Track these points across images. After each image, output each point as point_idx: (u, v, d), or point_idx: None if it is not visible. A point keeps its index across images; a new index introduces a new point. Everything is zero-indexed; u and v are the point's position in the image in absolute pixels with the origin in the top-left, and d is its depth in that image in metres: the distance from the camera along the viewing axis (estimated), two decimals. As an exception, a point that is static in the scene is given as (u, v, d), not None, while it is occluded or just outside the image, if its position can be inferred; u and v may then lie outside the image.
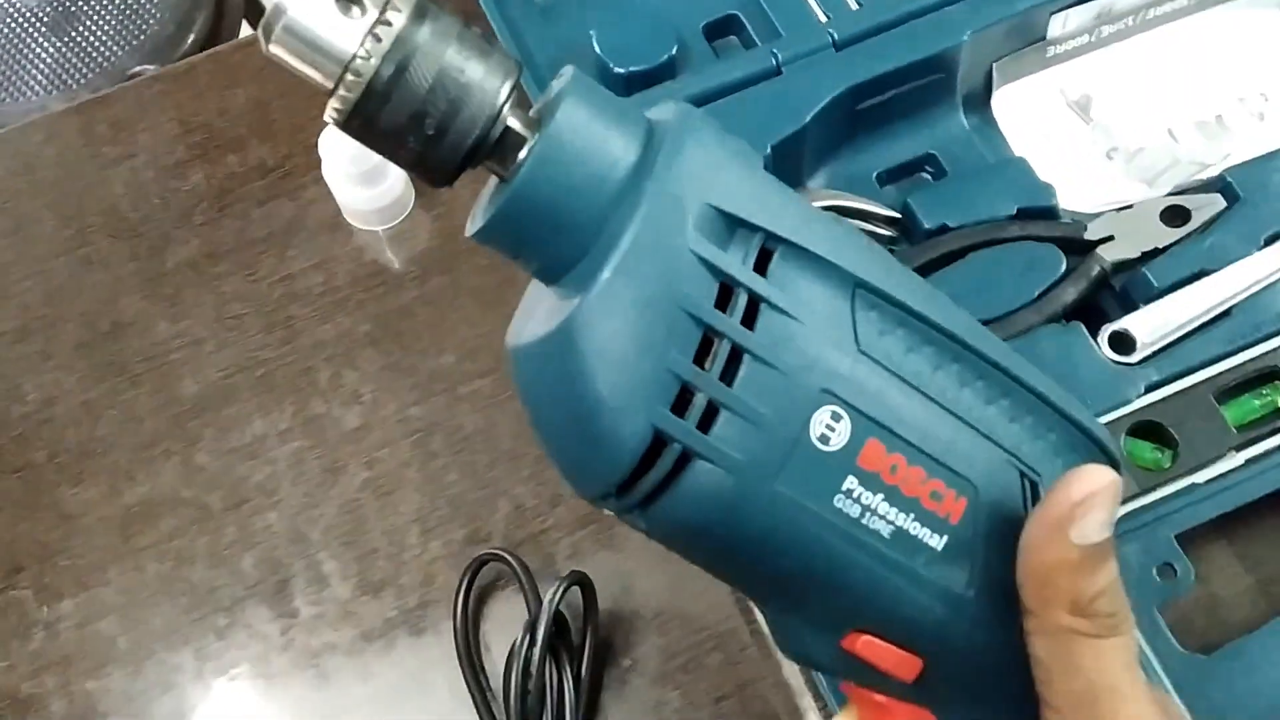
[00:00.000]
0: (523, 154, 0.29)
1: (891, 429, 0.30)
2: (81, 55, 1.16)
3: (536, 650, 0.52)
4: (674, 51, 0.66)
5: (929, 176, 0.66)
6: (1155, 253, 0.59)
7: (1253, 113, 0.66)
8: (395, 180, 0.67)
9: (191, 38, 1.19)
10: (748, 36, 0.69)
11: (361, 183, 0.65)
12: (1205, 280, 0.58)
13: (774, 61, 0.62)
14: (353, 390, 0.64)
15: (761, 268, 0.29)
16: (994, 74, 0.66)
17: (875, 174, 0.65)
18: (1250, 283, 0.58)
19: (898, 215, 0.61)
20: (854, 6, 0.67)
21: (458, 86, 0.28)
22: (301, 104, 0.72)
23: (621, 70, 0.66)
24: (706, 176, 0.29)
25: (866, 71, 0.62)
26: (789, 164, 0.62)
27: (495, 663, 0.56)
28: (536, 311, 0.31)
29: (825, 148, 0.64)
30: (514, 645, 0.54)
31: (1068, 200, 0.62)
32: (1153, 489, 0.54)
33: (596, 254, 0.29)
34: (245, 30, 1.26)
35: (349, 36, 0.27)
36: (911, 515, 0.30)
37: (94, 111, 0.72)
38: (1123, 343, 0.57)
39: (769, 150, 0.60)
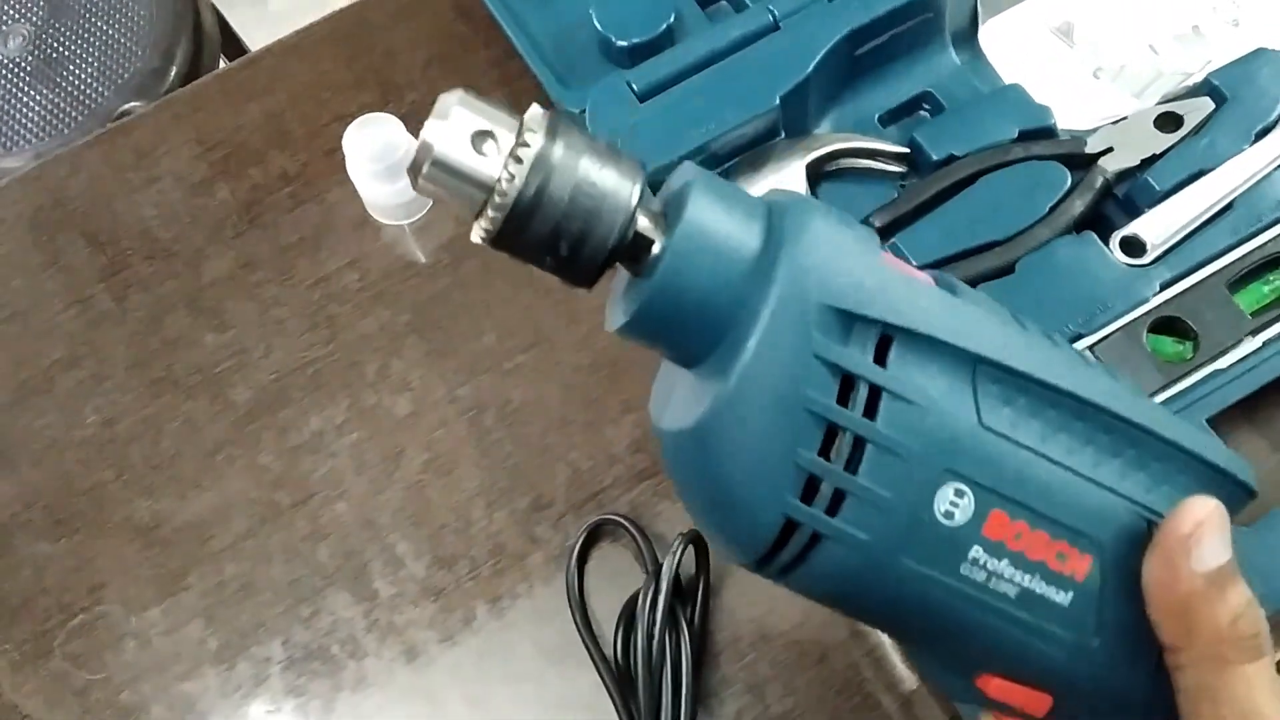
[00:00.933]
0: (655, 251, 0.32)
1: (1015, 498, 0.31)
2: (70, 99, 1.17)
3: (659, 614, 0.55)
4: (672, 20, 0.69)
5: (927, 113, 0.69)
6: (1153, 159, 0.62)
7: (1226, 20, 0.69)
8: (417, 174, 0.69)
9: (174, 70, 1.20)
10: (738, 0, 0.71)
11: (385, 178, 0.68)
12: (1204, 179, 0.61)
13: (771, 17, 0.65)
14: (401, 379, 0.66)
15: (881, 358, 0.31)
16: (979, 8, 0.69)
17: (877, 116, 0.68)
18: (1246, 176, 0.61)
19: (906, 150, 0.64)
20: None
21: (593, 196, 0.30)
22: (313, 111, 0.74)
23: (624, 43, 0.68)
24: (823, 273, 0.31)
25: (860, 17, 0.64)
26: (796, 113, 0.64)
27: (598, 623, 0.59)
28: (676, 390, 0.34)
29: (828, 95, 0.67)
30: (634, 607, 0.56)
31: (1064, 120, 0.65)
32: (1179, 379, 0.57)
33: (726, 347, 0.31)
34: (224, 61, 1.28)
35: (491, 163, 0.30)
36: (1037, 575, 0.32)
37: (113, 141, 0.74)
38: (1134, 246, 0.60)
39: (777, 101, 0.63)
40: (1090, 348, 0.58)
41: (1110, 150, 0.62)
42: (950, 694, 0.37)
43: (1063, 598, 0.32)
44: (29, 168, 0.73)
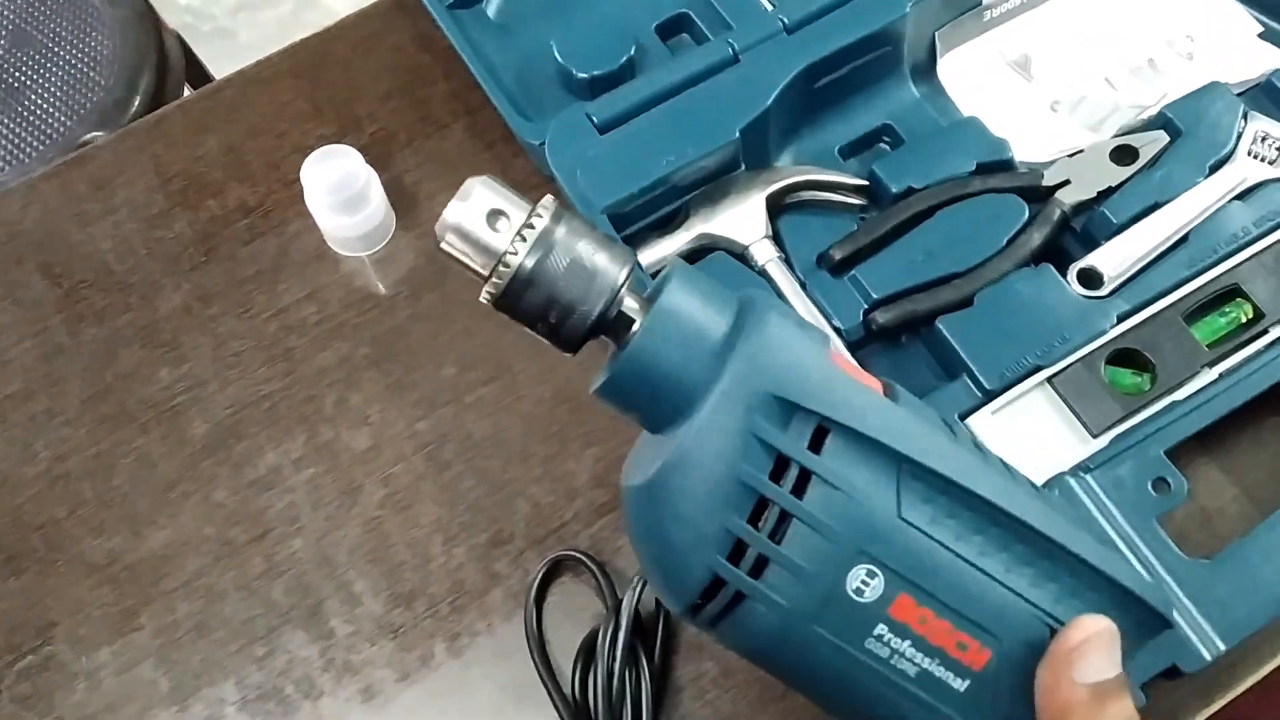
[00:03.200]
0: (634, 329, 0.36)
1: (922, 586, 0.35)
2: (31, 129, 1.16)
3: (619, 650, 0.54)
4: (632, 53, 0.69)
5: (887, 146, 0.69)
6: (1110, 191, 0.63)
7: (1181, 54, 0.70)
8: (377, 206, 0.68)
9: (137, 100, 1.19)
10: (699, 32, 0.72)
11: (343, 210, 0.67)
12: (1160, 211, 0.61)
13: (731, 50, 0.65)
14: (360, 412, 0.65)
15: (817, 446, 0.35)
16: (937, 42, 0.69)
17: (837, 148, 0.68)
18: (1202, 209, 0.61)
19: (865, 183, 0.64)
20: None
21: (584, 275, 0.35)
22: (272, 143, 0.74)
23: (584, 75, 0.68)
24: (774, 365, 0.35)
25: (819, 50, 0.65)
26: (756, 146, 0.65)
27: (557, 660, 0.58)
28: (645, 455, 0.38)
29: (787, 127, 0.67)
30: (593, 643, 0.56)
31: (1021, 153, 0.65)
32: (1137, 410, 0.57)
33: (685, 419, 0.36)
34: (188, 91, 1.28)
35: (501, 237, 0.35)
36: (937, 660, 0.35)
37: (70, 173, 0.73)
38: (1091, 278, 0.60)
39: (738, 134, 0.63)
40: (1049, 379, 0.58)
41: (1067, 183, 0.63)
42: None
43: (959, 684, 0.36)
44: (-17, 200, 0.73)
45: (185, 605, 0.62)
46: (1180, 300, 0.59)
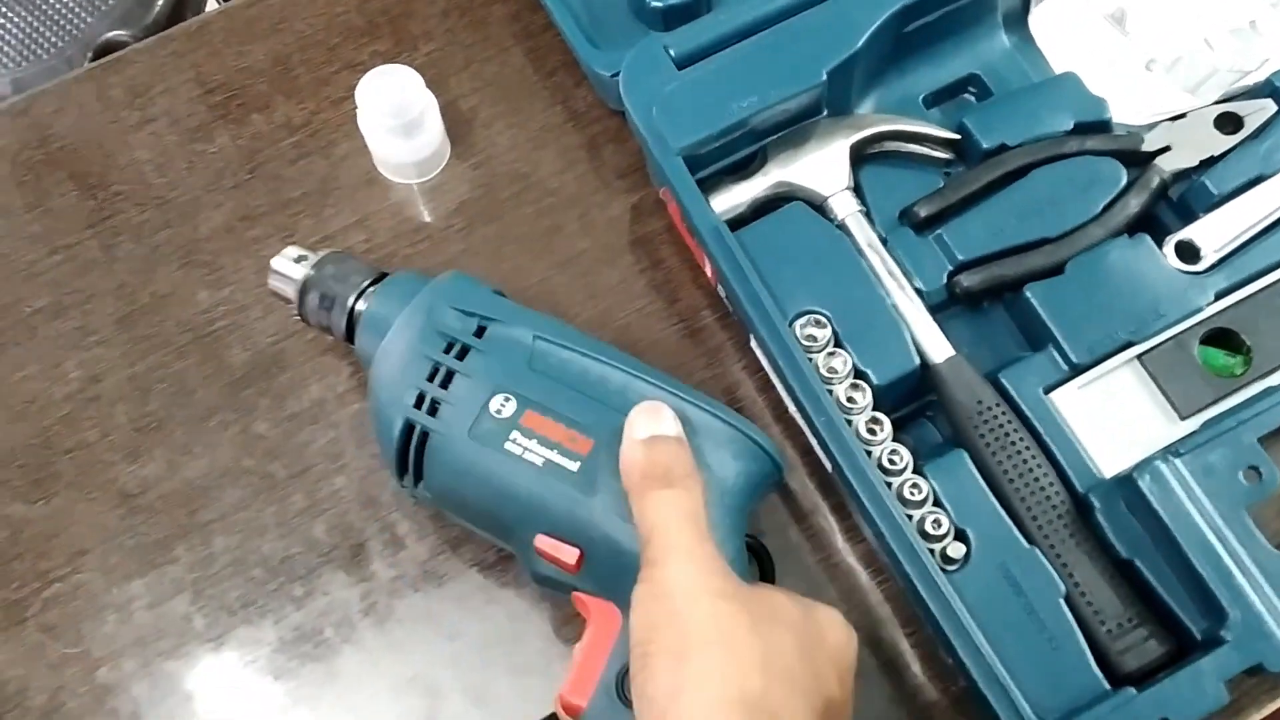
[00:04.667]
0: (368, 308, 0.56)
1: (542, 404, 0.51)
2: (49, 23, 1.11)
3: None
4: (706, -14, 0.65)
5: (973, 97, 0.65)
6: (1212, 161, 0.59)
7: (1287, 16, 0.66)
8: (433, 132, 0.65)
9: (160, 2, 1.14)
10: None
11: (400, 135, 0.63)
12: (1264, 185, 0.58)
13: (819, -13, 0.61)
14: (408, 348, 0.63)
15: (481, 333, 0.53)
16: (1032, -8, 0.65)
17: (921, 96, 0.64)
18: (1319, 179, 0.58)
19: (956, 136, 0.61)
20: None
21: (341, 283, 0.56)
22: (323, 57, 0.70)
23: (658, 3, 0.64)
24: (451, 292, 0.54)
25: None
26: (841, 91, 0.61)
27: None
28: None
29: (873, 72, 0.63)
30: None
31: (1117, 114, 0.62)
32: (1231, 394, 0.55)
33: None
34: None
35: (299, 270, 0.57)
36: (555, 451, 0.50)
37: (106, 77, 0.69)
38: (1189, 252, 0.57)
39: (824, 76, 0.59)
40: (1139, 356, 0.55)
41: (1168, 149, 0.60)
42: (540, 577, 0.52)
43: (573, 466, 0.50)
44: (15, 100, 0.69)
45: (222, 540, 0.59)
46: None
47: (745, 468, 0.51)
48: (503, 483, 0.50)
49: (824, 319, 0.56)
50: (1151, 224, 0.59)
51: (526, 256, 0.65)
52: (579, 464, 0.49)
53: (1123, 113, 0.62)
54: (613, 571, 0.48)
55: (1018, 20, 0.66)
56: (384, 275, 0.56)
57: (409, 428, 0.51)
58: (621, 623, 0.49)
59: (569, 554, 0.49)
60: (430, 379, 0.51)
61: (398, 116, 0.63)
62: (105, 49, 1.08)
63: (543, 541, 0.50)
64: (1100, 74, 0.65)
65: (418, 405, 0.51)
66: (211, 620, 0.58)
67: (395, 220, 0.66)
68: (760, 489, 0.52)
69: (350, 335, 0.56)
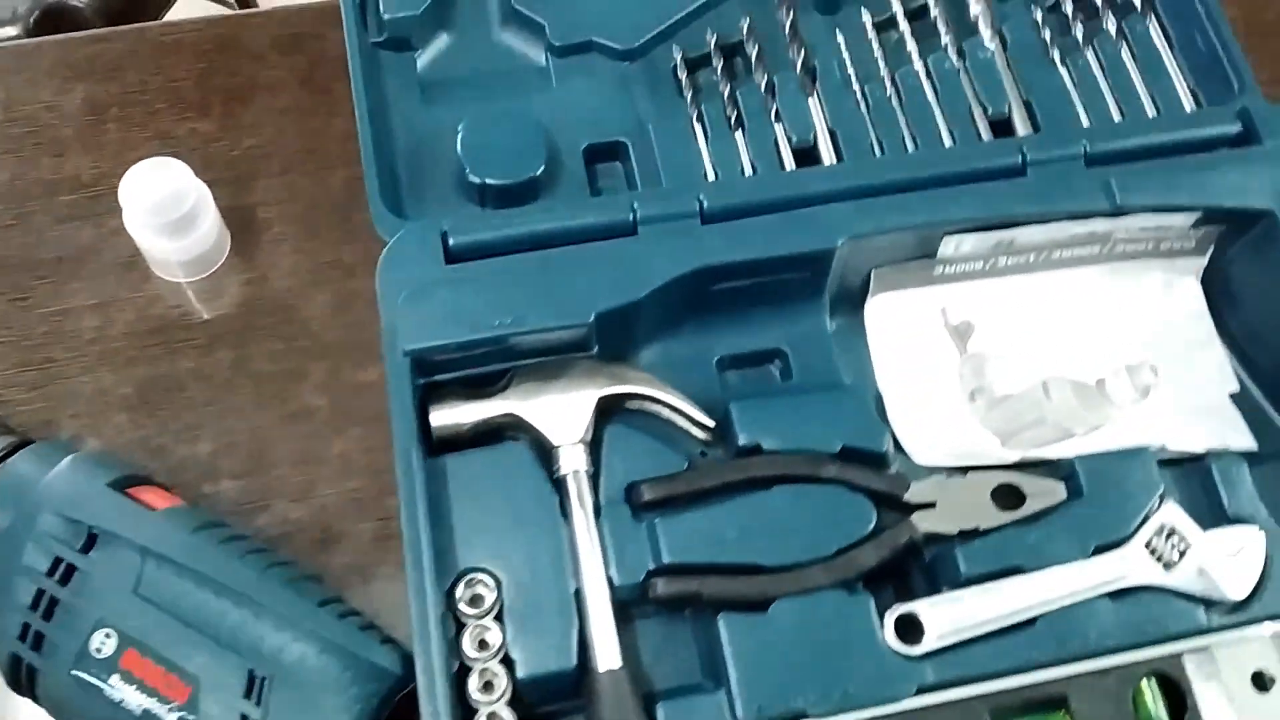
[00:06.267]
0: None
1: (142, 641, 0.47)
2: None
3: None
4: (538, 172, 0.60)
5: (777, 373, 0.60)
6: (974, 533, 0.53)
7: (1139, 386, 0.60)
8: (204, 233, 0.60)
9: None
10: (629, 169, 0.63)
11: (165, 233, 0.59)
12: (1018, 578, 0.52)
13: (632, 218, 0.56)
14: (92, 457, 0.58)
15: (90, 546, 0.49)
16: (872, 279, 0.60)
17: (717, 358, 0.59)
18: (1067, 593, 0.52)
19: (711, 424, 0.55)
20: (748, 170, 0.62)
21: None
22: (140, 119, 0.65)
23: (476, 180, 0.60)
24: (65, 491, 0.50)
25: (727, 253, 0.56)
26: (617, 333, 0.56)
27: None
28: None
29: (664, 319, 0.58)
30: None
31: (911, 431, 0.56)
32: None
33: None
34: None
35: None
36: (154, 698, 0.47)
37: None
38: (910, 630, 0.51)
39: (593, 318, 0.54)
40: (814, 731, 0.49)
41: (932, 505, 0.54)
42: None
43: (169, 714, 0.46)
44: None
45: None
46: (996, 693, 0.50)
47: (361, 691, 0.49)
48: None
49: (494, 583, 0.51)
50: (887, 585, 0.53)
51: (254, 397, 0.60)
52: (177, 715, 0.46)
53: (914, 441, 0.57)
54: None
55: (850, 302, 0.61)
56: (23, 445, 0.52)
57: (16, 660, 0.48)
58: None
59: None
60: (34, 606, 0.48)
61: (161, 215, 0.58)
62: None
63: None
64: (919, 385, 0.59)
65: (22, 637, 0.48)
66: None
67: (138, 316, 0.61)
68: (383, 704, 0.50)
69: None
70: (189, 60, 0.67)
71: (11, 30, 1.07)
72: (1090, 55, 0.67)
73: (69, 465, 0.51)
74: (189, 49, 0.67)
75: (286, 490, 0.58)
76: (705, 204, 0.57)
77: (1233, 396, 0.61)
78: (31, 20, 1.08)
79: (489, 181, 0.60)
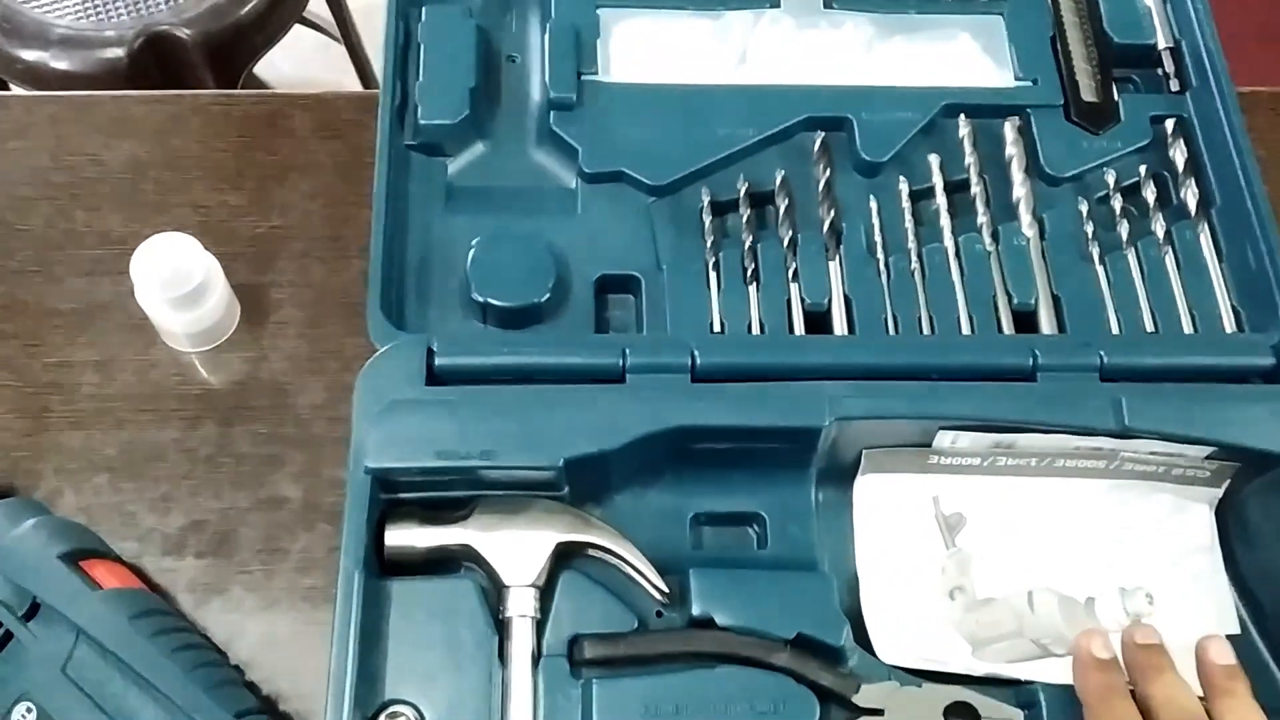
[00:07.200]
0: None
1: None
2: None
3: None
4: (543, 299, 0.60)
5: (754, 534, 0.59)
6: (920, 757, 0.51)
7: (1131, 612, 0.57)
8: (211, 309, 0.61)
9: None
10: (640, 305, 0.62)
11: (173, 306, 0.60)
12: (954, 806, 0.50)
13: (620, 364, 0.56)
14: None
15: (34, 612, 0.50)
16: (863, 459, 0.58)
17: (693, 514, 0.58)
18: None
19: (665, 590, 0.54)
20: (755, 326, 0.61)
21: None
22: (176, 182, 0.67)
23: (479, 299, 0.60)
24: (19, 551, 0.51)
25: (710, 417, 0.55)
26: (585, 477, 0.55)
27: None
28: None
29: (644, 469, 0.57)
30: None
31: (880, 621, 0.55)
32: None
33: None
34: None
35: None
36: None
37: (-22, 108, 0.68)
38: (833, 841, 0.49)
39: (561, 463, 0.53)
40: None
41: (880, 714, 0.52)
42: None
43: None
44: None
45: None
46: None
47: None
48: None
49: (417, 718, 0.50)
50: (819, 783, 0.51)
51: (233, 476, 0.60)
52: None
53: (881, 633, 0.55)
54: None
55: (840, 477, 0.59)
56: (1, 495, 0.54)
57: None
58: None
59: None
60: None
61: (169, 290, 0.59)
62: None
63: None
64: (895, 574, 0.57)
65: None
66: None
67: (137, 379, 0.62)
68: None
69: None
70: (234, 132, 0.68)
71: (117, 51, 1.11)
72: (1132, 257, 0.65)
73: (31, 529, 0.52)
74: (236, 121, 0.68)
75: (244, 578, 0.57)
76: (698, 360, 0.56)
77: (1231, 639, 0.58)
78: (136, 45, 1.12)
79: (493, 302, 0.60)
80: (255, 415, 0.61)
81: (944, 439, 0.57)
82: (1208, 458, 0.58)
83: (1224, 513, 0.60)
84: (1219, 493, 0.60)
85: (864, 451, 0.58)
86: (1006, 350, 0.58)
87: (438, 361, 0.55)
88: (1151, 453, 0.58)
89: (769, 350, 0.58)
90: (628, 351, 0.56)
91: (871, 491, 0.59)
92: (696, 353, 0.56)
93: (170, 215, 0.66)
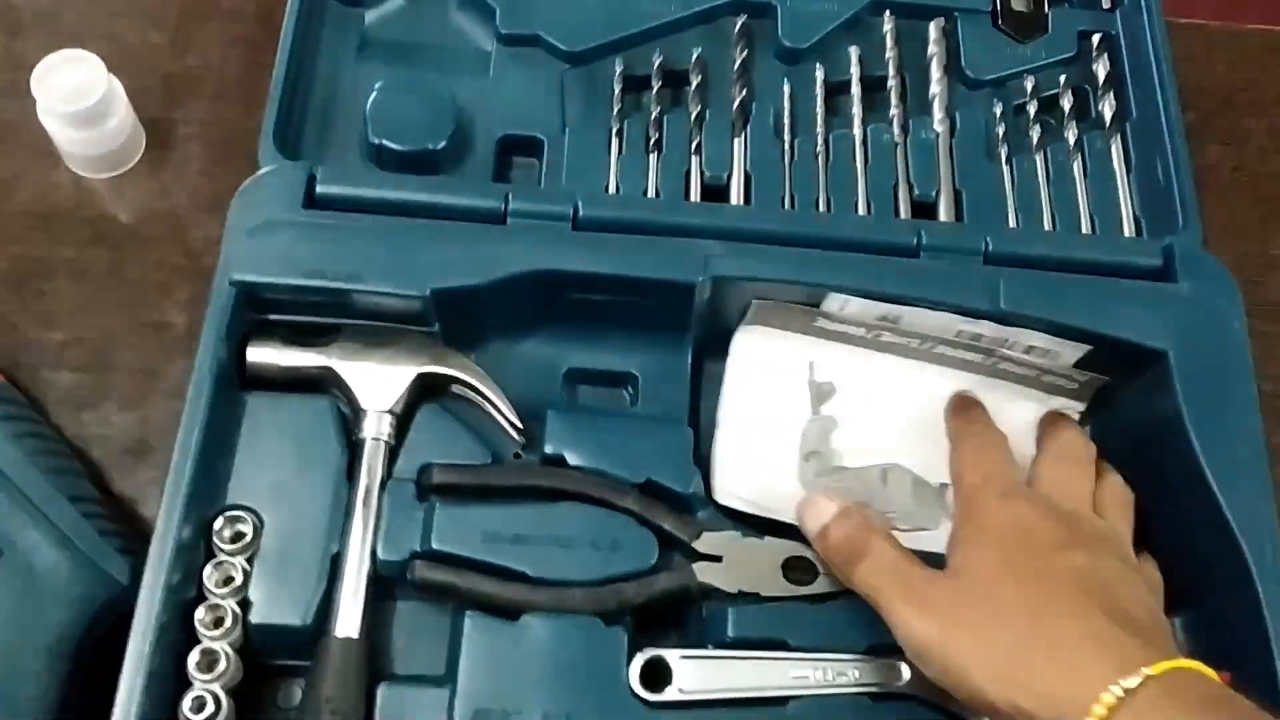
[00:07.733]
0: None
1: None
2: None
3: None
4: (438, 146, 0.60)
5: (628, 395, 0.59)
6: (754, 597, 0.51)
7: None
8: (117, 128, 0.61)
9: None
10: (540, 170, 0.62)
11: (73, 124, 0.60)
12: (780, 654, 0.50)
13: (502, 208, 0.56)
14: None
15: None
16: (752, 307, 0.57)
17: (566, 369, 0.58)
18: (827, 683, 0.50)
19: (520, 426, 0.54)
20: (651, 193, 0.61)
21: None
22: (98, 16, 0.67)
23: (375, 140, 0.60)
24: None
25: (583, 263, 0.55)
26: (456, 316, 0.55)
27: None
28: None
29: (519, 318, 0.57)
30: None
31: (725, 466, 0.55)
32: None
33: None
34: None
35: None
36: None
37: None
38: (656, 675, 0.50)
39: (429, 292, 0.53)
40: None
41: (719, 560, 0.52)
42: None
43: None
44: None
45: None
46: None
47: (85, 592, 0.49)
48: None
49: (258, 528, 0.50)
50: (665, 632, 0.52)
51: (118, 299, 0.60)
52: None
53: (722, 475, 0.55)
54: None
55: (719, 326, 0.58)
56: None
57: None
58: None
59: None
60: None
61: (70, 104, 0.59)
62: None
63: None
64: (753, 427, 0.57)
65: None
66: None
67: (34, 198, 0.63)
68: (105, 610, 0.49)
69: None
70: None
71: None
72: (1040, 161, 0.65)
73: None
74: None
75: (117, 395, 0.58)
76: (581, 211, 0.56)
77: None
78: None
79: (387, 144, 0.60)
80: (149, 244, 0.62)
81: (834, 301, 0.56)
82: (1078, 364, 0.57)
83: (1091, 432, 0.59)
84: (1082, 407, 0.59)
85: (754, 301, 0.57)
86: (893, 230, 0.58)
87: (319, 189, 0.55)
88: (1027, 351, 0.57)
89: (653, 208, 0.58)
90: (510, 195, 0.56)
91: (749, 344, 0.58)
92: (580, 204, 0.56)
93: (88, 45, 0.66)
